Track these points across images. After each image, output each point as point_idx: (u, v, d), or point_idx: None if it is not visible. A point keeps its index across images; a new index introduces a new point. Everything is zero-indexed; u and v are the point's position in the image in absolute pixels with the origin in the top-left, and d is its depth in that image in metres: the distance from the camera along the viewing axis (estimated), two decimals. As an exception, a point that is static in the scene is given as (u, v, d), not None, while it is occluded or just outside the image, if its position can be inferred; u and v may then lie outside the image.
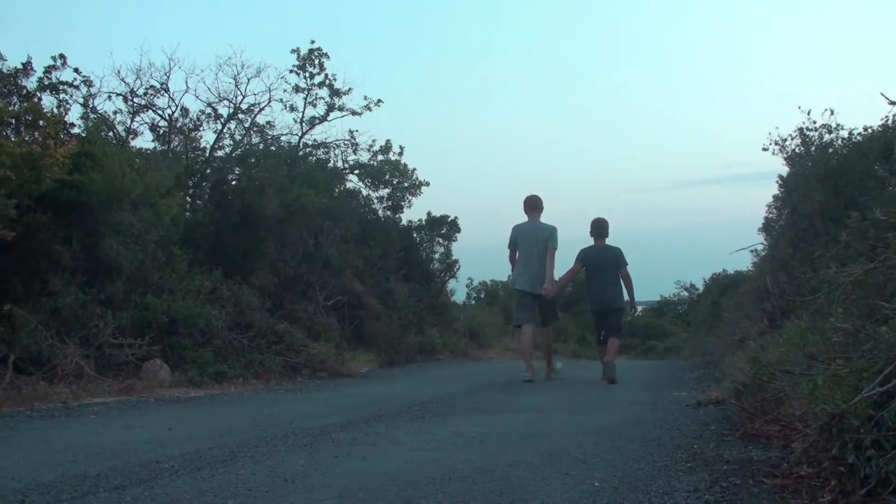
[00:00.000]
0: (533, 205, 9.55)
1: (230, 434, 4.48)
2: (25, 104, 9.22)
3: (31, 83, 10.79)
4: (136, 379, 8.02)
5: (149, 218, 9.04)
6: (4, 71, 10.05)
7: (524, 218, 9.59)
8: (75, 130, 12.78)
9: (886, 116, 10.39)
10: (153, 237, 9.03)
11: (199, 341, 9.05)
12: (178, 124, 12.55)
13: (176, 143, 12.62)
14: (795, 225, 10.32)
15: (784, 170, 11.24)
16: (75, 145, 8.65)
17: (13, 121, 8.74)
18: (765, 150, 11.00)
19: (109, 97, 13.50)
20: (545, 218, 9.64)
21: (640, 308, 45.28)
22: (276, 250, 11.99)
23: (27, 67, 10.39)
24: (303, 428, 4.75)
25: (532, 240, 9.37)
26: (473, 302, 31.85)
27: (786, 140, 10.60)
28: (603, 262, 9.43)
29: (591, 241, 9.67)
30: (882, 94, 5.00)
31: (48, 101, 12.39)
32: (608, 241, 9.61)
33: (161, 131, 11.83)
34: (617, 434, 4.65)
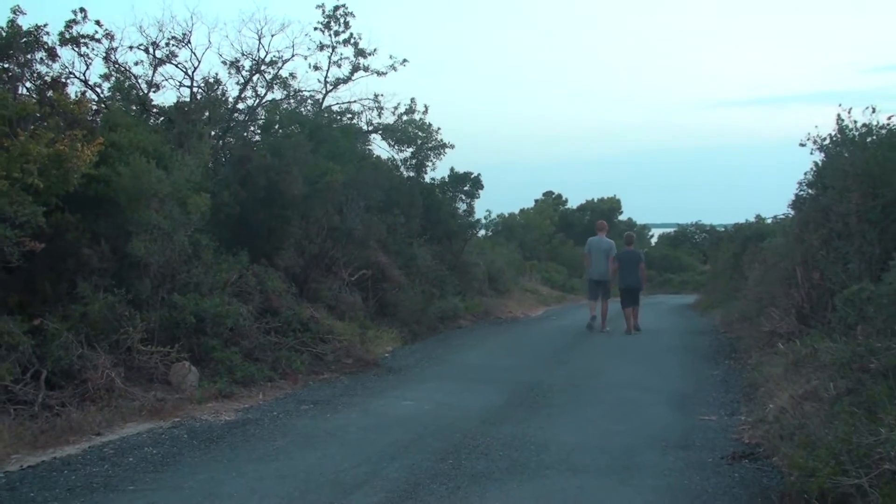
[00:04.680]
0: (601, 226, 15.27)
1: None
2: (51, 93, 8.99)
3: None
4: (167, 385, 8.09)
5: (177, 216, 8.92)
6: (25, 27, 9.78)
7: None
8: (98, 91, 12.77)
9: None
10: (181, 237, 8.92)
11: (227, 338, 9.05)
12: (201, 98, 12.30)
13: (200, 114, 12.40)
14: (828, 224, 10.12)
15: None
16: (101, 144, 8.47)
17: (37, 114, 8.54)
18: (802, 145, 10.75)
19: (131, 48, 13.37)
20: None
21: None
22: (300, 228, 11.90)
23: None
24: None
25: (600, 249, 14.62)
26: (491, 234, 31.75)
27: (825, 140, 10.32)
28: (629, 261, 14.61)
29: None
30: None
31: (69, 56, 12.24)
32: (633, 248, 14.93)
33: (185, 108, 11.57)
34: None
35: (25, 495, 5.12)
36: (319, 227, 12.19)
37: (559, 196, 44.01)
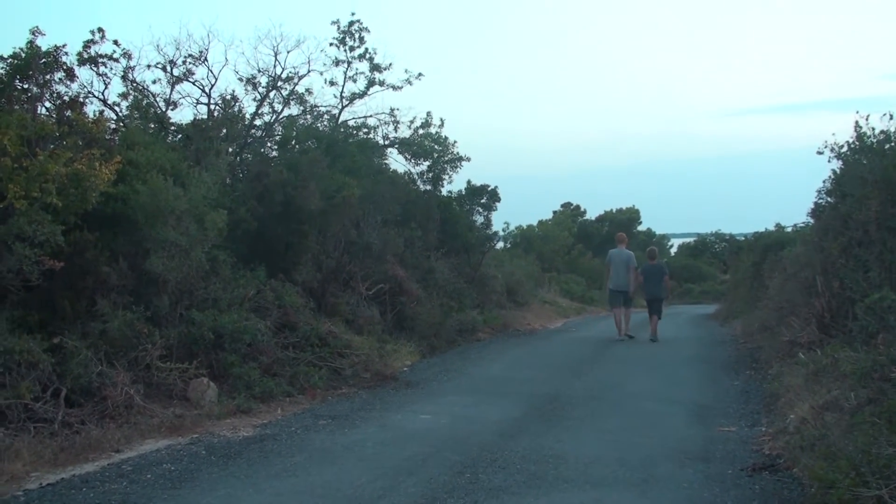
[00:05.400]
0: (620, 239, 15.92)
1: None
2: (69, 113, 9.07)
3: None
4: (185, 401, 8.12)
5: (195, 233, 8.98)
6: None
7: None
8: (116, 109, 12.89)
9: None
10: (198, 253, 8.97)
11: (246, 353, 9.08)
12: (218, 114, 12.40)
13: (218, 131, 12.49)
14: (848, 232, 10.04)
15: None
16: (119, 162, 8.53)
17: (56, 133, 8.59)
18: (819, 153, 10.71)
19: (148, 66, 13.51)
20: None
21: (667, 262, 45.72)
22: (318, 243, 11.93)
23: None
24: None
25: (620, 260, 15.25)
26: (509, 246, 31.67)
27: (843, 147, 10.27)
28: (653, 274, 15.45)
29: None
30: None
31: (87, 75, 12.36)
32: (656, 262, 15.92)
33: (202, 125, 11.66)
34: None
35: (45, 513, 5.16)
36: (336, 241, 12.23)
37: (577, 207, 43.92)
